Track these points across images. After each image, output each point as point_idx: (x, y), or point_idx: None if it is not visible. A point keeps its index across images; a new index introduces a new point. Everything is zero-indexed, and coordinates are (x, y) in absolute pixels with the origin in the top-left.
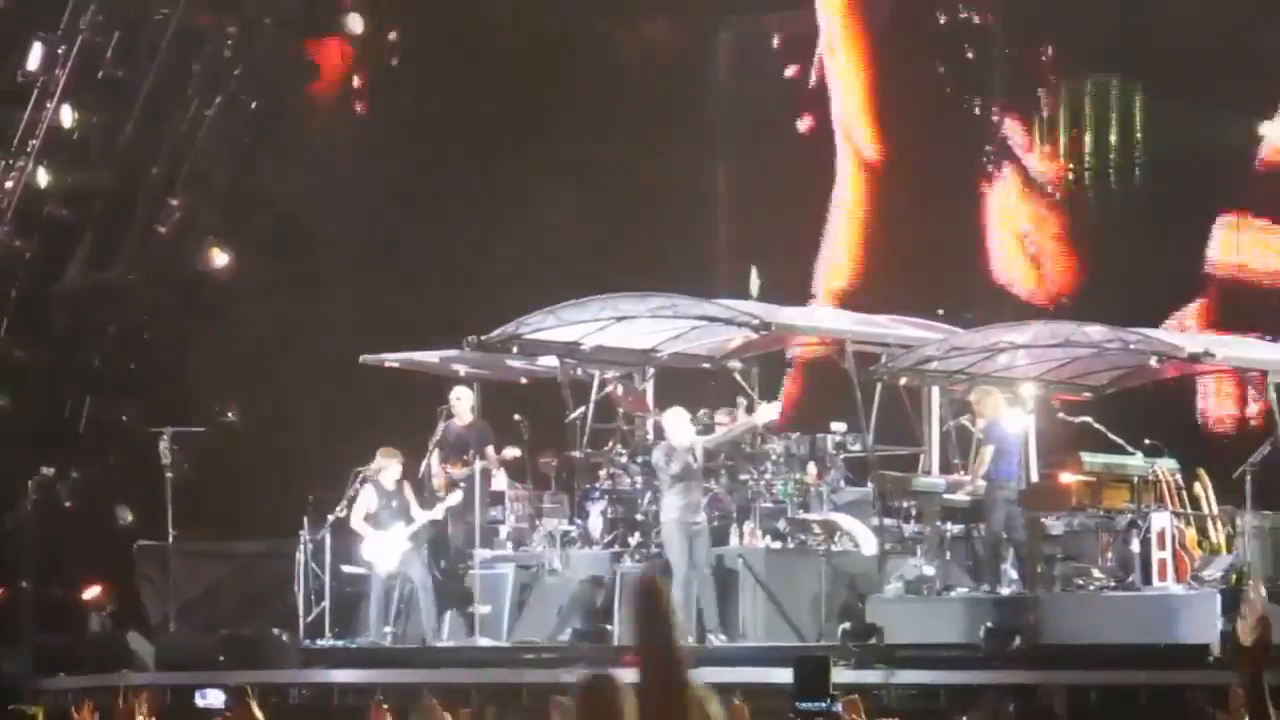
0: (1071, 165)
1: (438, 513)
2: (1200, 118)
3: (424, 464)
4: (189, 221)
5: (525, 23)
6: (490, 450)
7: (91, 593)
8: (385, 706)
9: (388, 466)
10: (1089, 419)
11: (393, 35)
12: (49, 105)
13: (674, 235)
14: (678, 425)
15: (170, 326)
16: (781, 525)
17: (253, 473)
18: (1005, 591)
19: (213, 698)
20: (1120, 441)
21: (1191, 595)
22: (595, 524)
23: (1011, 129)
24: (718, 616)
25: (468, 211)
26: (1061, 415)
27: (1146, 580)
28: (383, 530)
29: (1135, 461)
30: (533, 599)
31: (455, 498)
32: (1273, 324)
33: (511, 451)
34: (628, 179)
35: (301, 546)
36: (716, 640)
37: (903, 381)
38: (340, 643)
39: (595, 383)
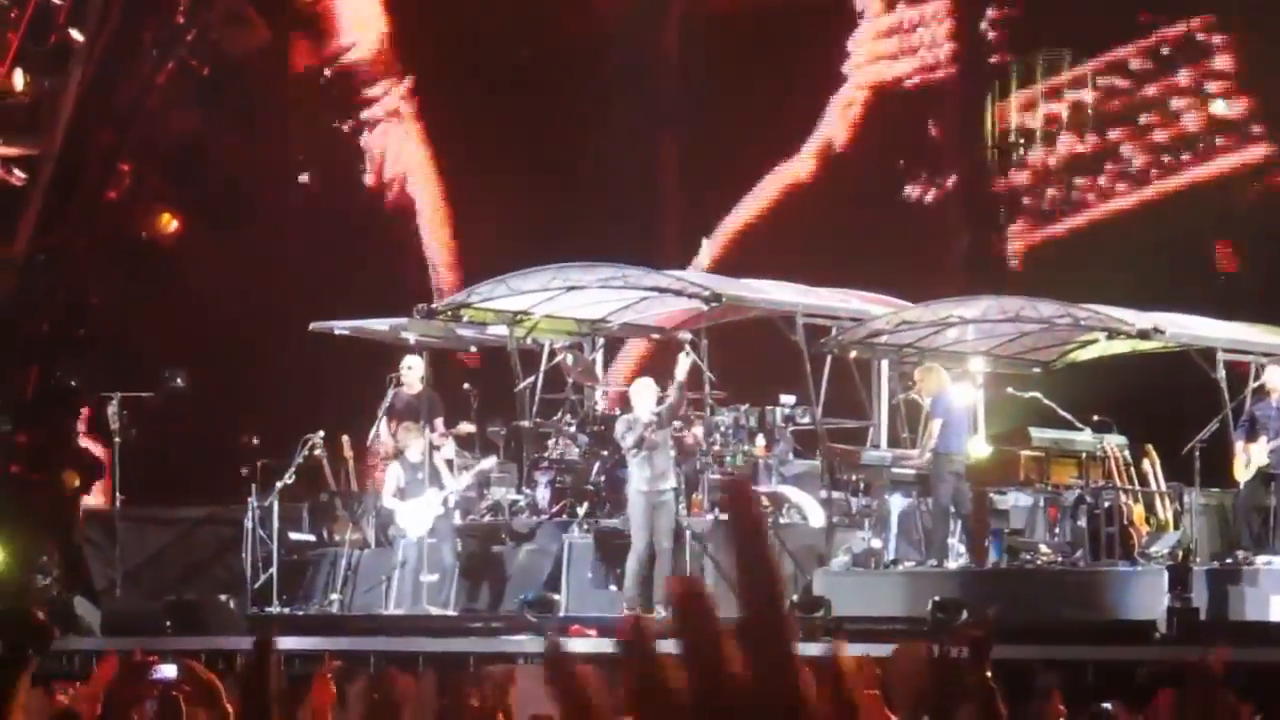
0: None
1: (467, 479)
2: None
3: (372, 431)
4: (138, 187)
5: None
6: (439, 422)
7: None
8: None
9: (412, 443)
10: (1037, 394)
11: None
12: (0, 69)
13: (624, 206)
14: (642, 396)
15: (119, 292)
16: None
17: (201, 439)
18: (952, 565)
19: (165, 670)
20: (1069, 417)
21: (1138, 571)
22: (543, 494)
23: None
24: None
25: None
26: (1010, 390)
27: (1094, 556)
28: (414, 499)
29: (1083, 437)
30: (481, 568)
31: (489, 462)
32: None
33: (465, 427)
34: (578, 149)
35: (250, 513)
36: (664, 613)
37: (852, 355)
38: (287, 609)
39: (544, 352)
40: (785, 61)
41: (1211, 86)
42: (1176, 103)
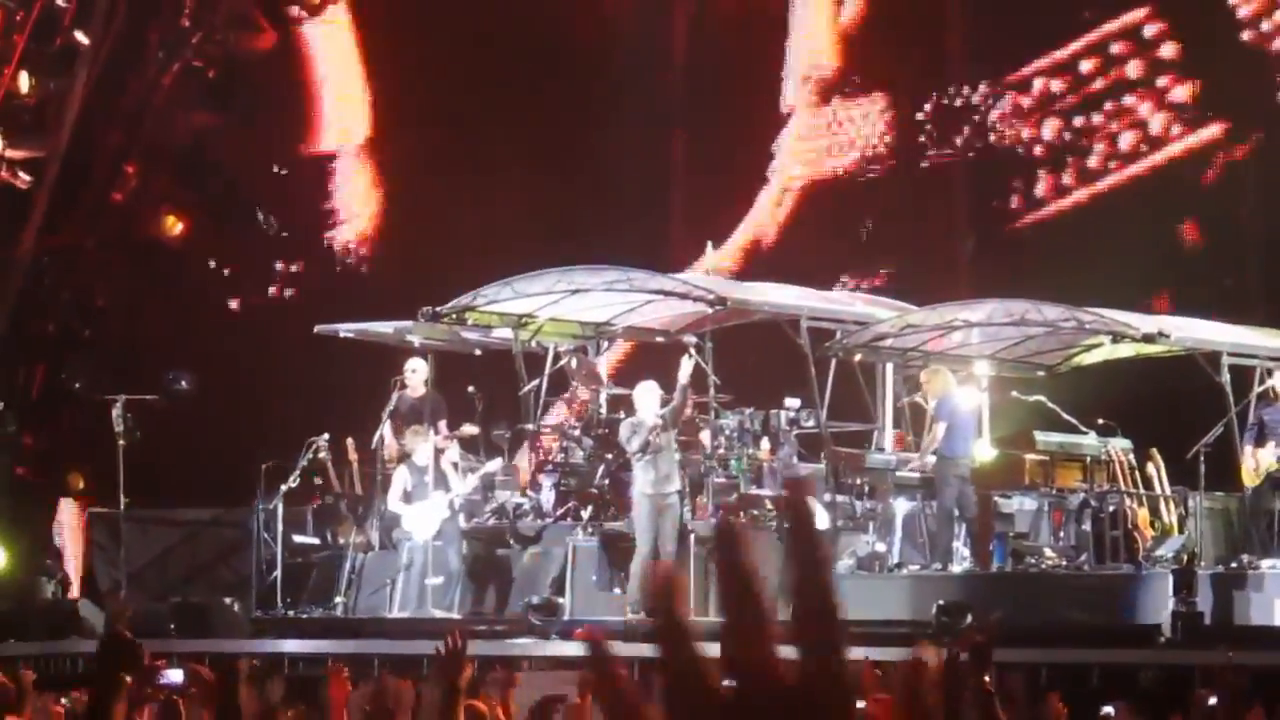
0: None
1: (473, 480)
2: None
3: (377, 435)
4: (144, 189)
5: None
6: (443, 424)
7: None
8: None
9: (419, 446)
10: (1043, 398)
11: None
12: (6, 71)
13: (630, 209)
14: (646, 399)
15: (125, 294)
16: (733, 501)
17: (206, 441)
18: (957, 569)
19: (171, 675)
20: (1073, 421)
21: (1143, 576)
22: (548, 497)
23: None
24: None
25: (423, 182)
26: (1015, 394)
27: (1099, 560)
28: (419, 503)
29: (1088, 441)
30: (485, 571)
31: (494, 464)
32: None
33: (468, 429)
34: (584, 149)
35: (255, 515)
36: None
37: (857, 358)
38: (292, 612)
39: (549, 355)
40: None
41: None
42: (1129, 99)
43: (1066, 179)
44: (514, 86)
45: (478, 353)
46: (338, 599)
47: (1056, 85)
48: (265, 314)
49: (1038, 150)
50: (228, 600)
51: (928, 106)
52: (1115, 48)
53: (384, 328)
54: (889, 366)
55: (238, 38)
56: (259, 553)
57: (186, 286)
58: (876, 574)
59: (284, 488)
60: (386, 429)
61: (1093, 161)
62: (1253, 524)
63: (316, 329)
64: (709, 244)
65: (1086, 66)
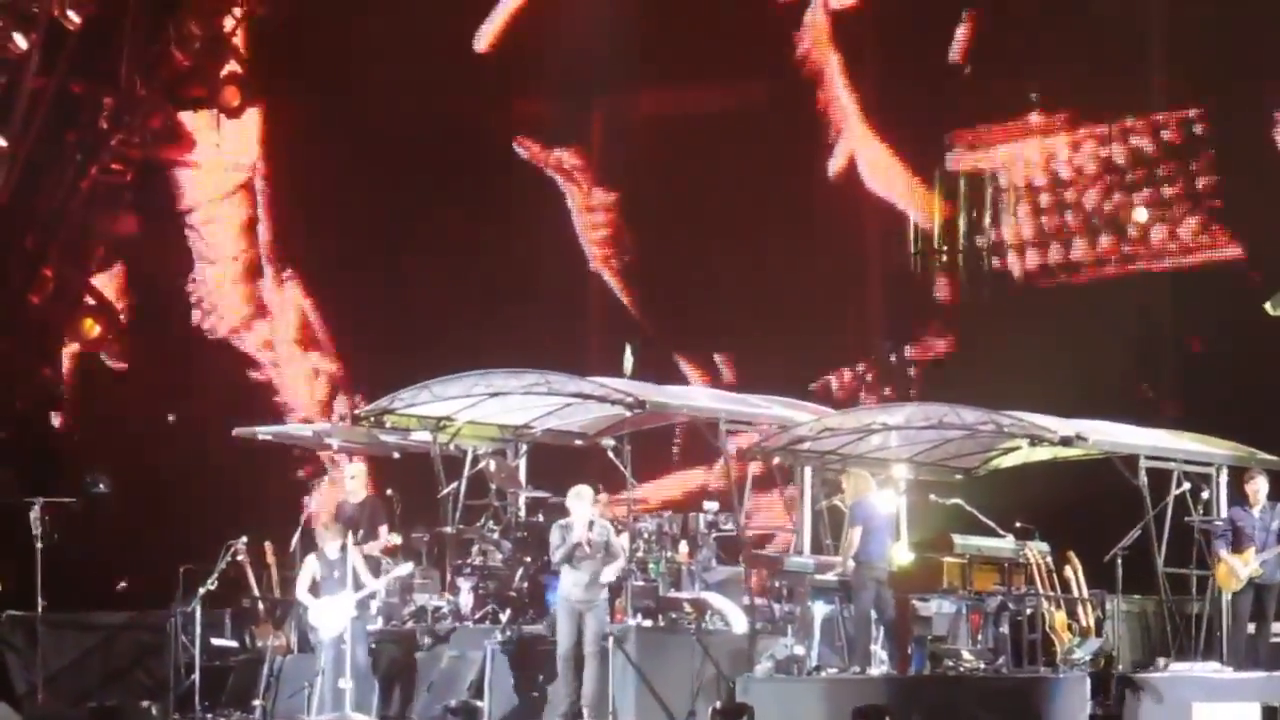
0: None
1: (383, 581)
2: None
3: (294, 540)
4: (61, 292)
5: (398, 101)
6: (383, 530)
7: None
8: None
9: (330, 540)
10: (960, 501)
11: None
12: None
13: (547, 312)
14: (578, 505)
15: (43, 396)
16: (653, 603)
17: (123, 544)
18: (875, 672)
19: None
20: (991, 524)
21: (1061, 678)
22: (466, 600)
23: None
24: (595, 695)
25: (341, 287)
26: (933, 497)
27: (1016, 663)
28: (327, 597)
29: (1006, 544)
30: (404, 674)
31: (405, 568)
32: None
33: (392, 539)
34: (502, 255)
35: (173, 619)
36: (586, 718)
37: (775, 461)
38: (210, 716)
39: (468, 458)
40: (714, 163)
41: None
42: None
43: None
44: (431, 187)
45: (396, 455)
46: (256, 702)
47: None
48: (183, 416)
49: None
50: (145, 704)
51: None
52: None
53: (303, 430)
54: (808, 470)
55: (156, 142)
56: (177, 656)
57: (105, 390)
58: (795, 677)
59: (202, 590)
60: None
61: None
62: (1232, 628)
63: (235, 431)
64: (627, 345)
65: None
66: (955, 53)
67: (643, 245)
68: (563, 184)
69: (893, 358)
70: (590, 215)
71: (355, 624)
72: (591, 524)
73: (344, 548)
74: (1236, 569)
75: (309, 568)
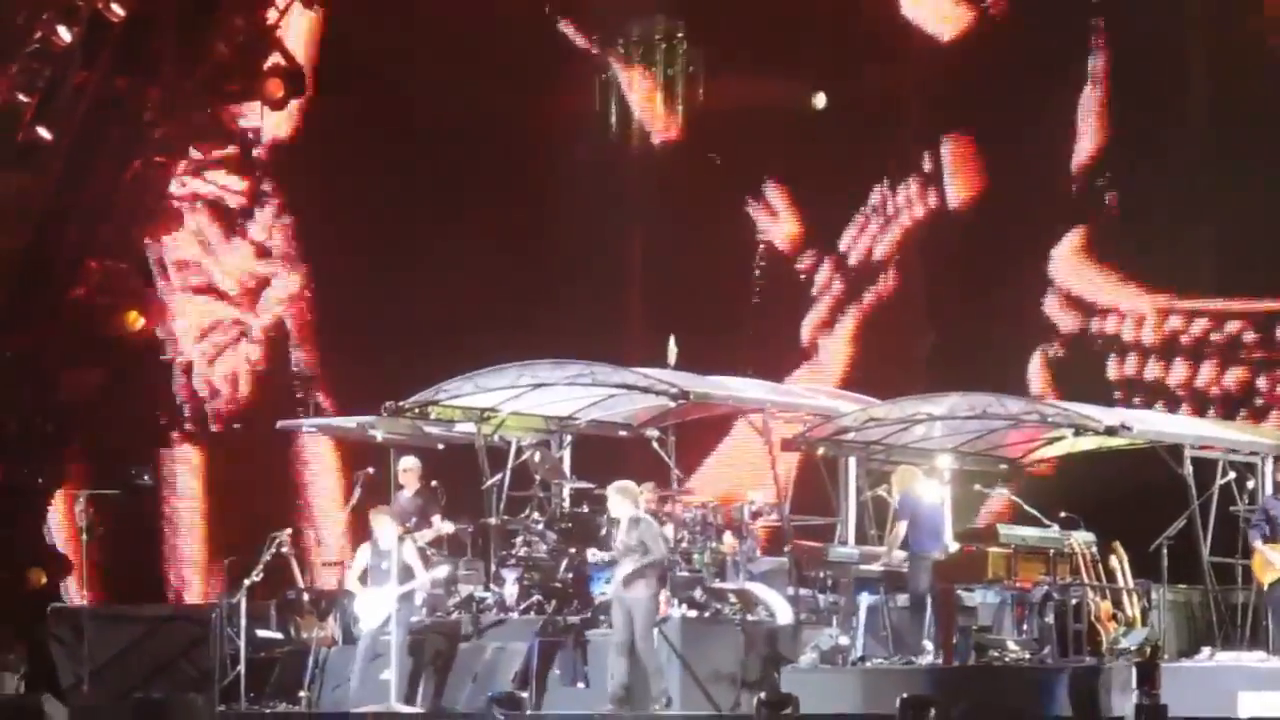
0: None
1: (426, 578)
2: None
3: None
4: (106, 285)
5: (442, 93)
6: (436, 519)
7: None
8: None
9: (382, 528)
10: (1005, 491)
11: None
12: None
13: (591, 303)
14: (617, 501)
15: (87, 389)
16: (697, 594)
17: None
18: (920, 663)
19: None
20: (1036, 514)
21: (1107, 668)
22: (511, 591)
23: None
24: (639, 684)
25: (385, 278)
26: (978, 487)
27: (1062, 653)
28: (374, 587)
29: (1051, 534)
30: (448, 666)
31: (441, 571)
32: None
33: (445, 526)
34: (546, 246)
35: (217, 610)
36: (658, 707)
37: (820, 452)
38: (255, 707)
39: (512, 449)
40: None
41: None
42: None
43: None
44: (476, 178)
45: (440, 447)
46: (301, 694)
47: None
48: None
49: None
50: (190, 696)
51: None
52: None
53: (347, 423)
54: (852, 460)
55: (199, 135)
56: (222, 648)
57: (149, 382)
58: (840, 668)
59: (247, 583)
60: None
61: None
62: (1273, 619)
63: (279, 424)
64: (671, 337)
65: None
66: None
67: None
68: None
69: None
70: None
71: (398, 614)
72: (638, 520)
73: (401, 538)
74: (1272, 559)
75: (362, 555)
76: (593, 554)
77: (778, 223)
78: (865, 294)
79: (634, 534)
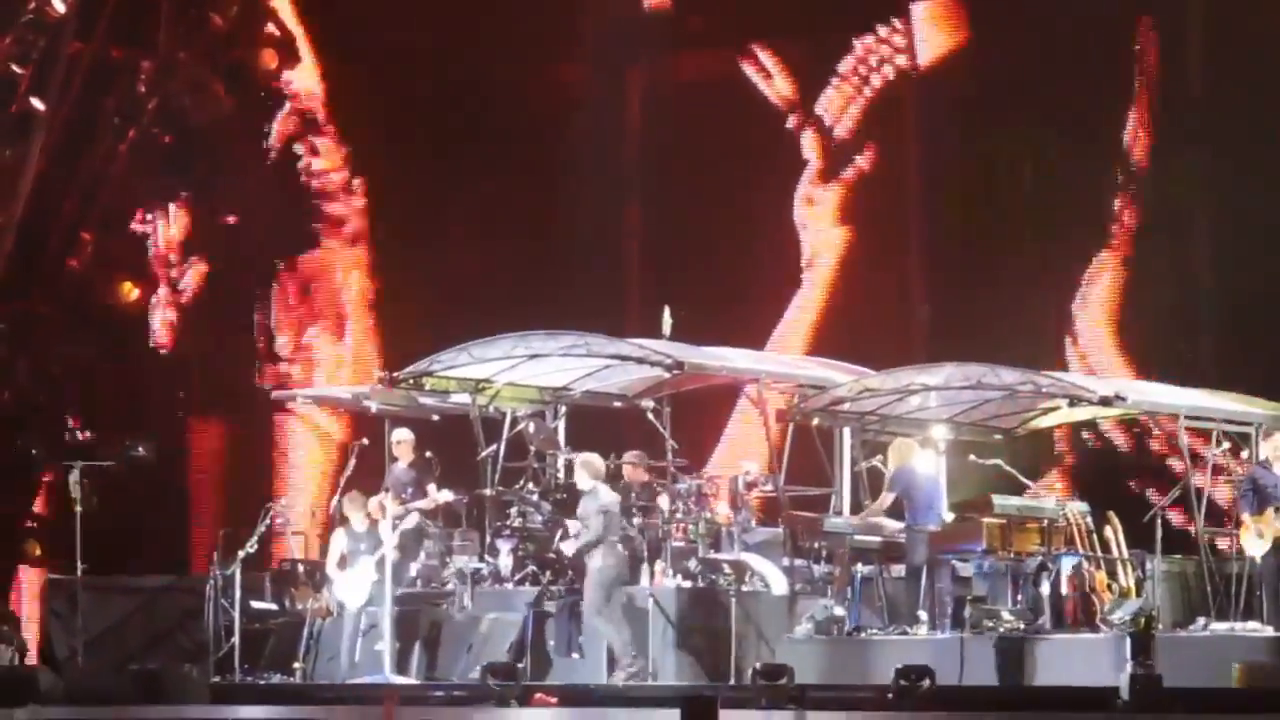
0: None
1: (395, 535)
2: None
3: (333, 503)
4: (100, 256)
5: (442, 66)
6: (431, 488)
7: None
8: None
9: (355, 512)
10: (1000, 461)
11: (305, 71)
12: None
13: (586, 274)
14: (577, 472)
15: (81, 361)
16: (692, 565)
17: (163, 507)
18: (916, 633)
19: None
20: (1030, 484)
21: (1100, 638)
22: (506, 562)
23: None
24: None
25: (381, 248)
26: (973, 458)
27: (1056, 623)
28: (352, 570)
29: (1046, 504)
30: (444, 637)
31: (411, 520)
32: None
33: (442, 495)
34: (540, 219)
35: (211, 581)
36: (623, 678)
37: (814, 422)
38: (250, 678)
39: (507, 420)
40: (749, 130)
41: None
42: None
43: None
44: (471, 152)
45: (435, 418)
46: (296, 665)
47: None
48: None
49: None
50: (186, 667)
51: None
52: None
53: (341, 393)
54: (846, 430)
55: (195, 104)
56: (217, 619)
57: (143, 352)
58: (835, 638)
59: (241, 554)
60: (388, 499)
61: None
62: (1265, 591)
63: (274, 394)
64: (665, 308)
65: None
66: None
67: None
68: None
69: None
70: None
71: (376, 589)
72: (588, 494)
73: (372, 522)
74: (1259, 532)
75: (337, 542)
76: None
77: (771, 84)
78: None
79: (581, 507)
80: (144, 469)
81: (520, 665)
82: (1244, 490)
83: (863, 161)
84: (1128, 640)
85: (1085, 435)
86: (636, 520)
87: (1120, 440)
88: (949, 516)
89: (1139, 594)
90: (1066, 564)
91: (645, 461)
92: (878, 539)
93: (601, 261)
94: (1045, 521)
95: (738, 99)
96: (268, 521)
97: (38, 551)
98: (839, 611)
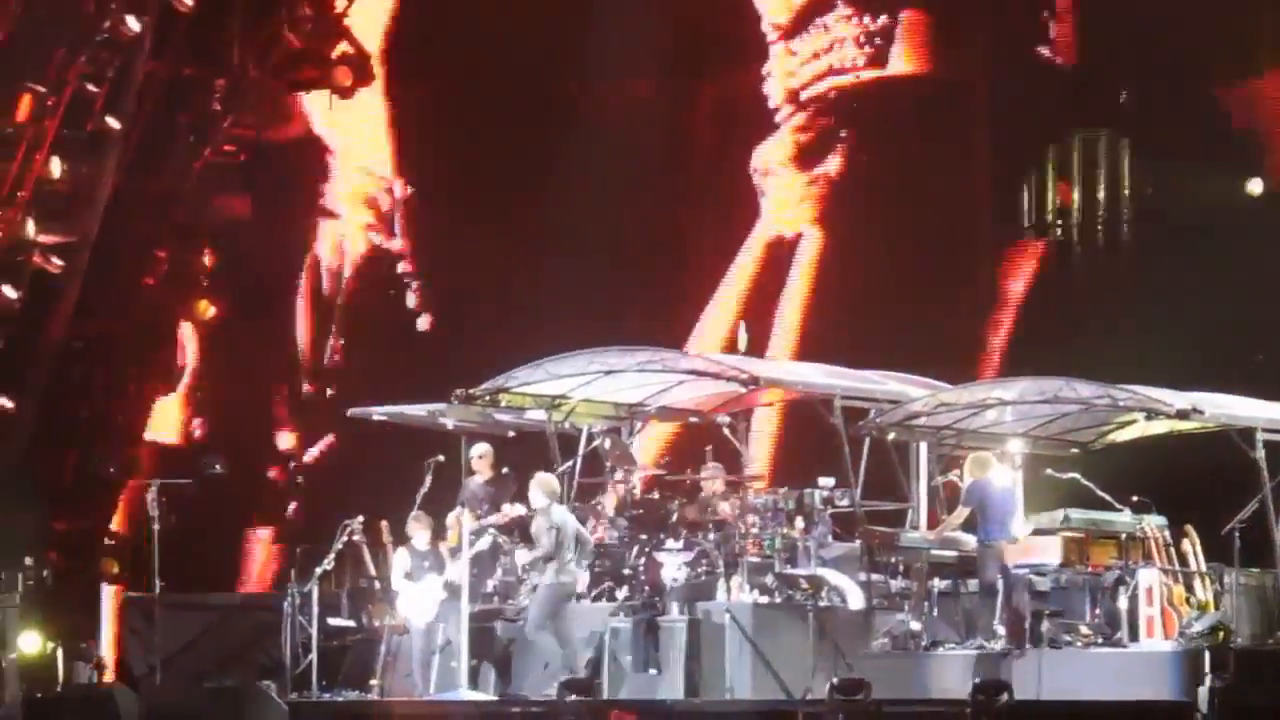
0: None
1: (464, 562)
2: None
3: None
4: (176, 274)
5: (513, 83)
6: (506, 505)
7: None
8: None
9: (418, 532)
10: (1077, 475)
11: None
12: (38, 156)
13: (660, 290)
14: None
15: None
16: (768, 580)
17: (238, 524)
18: (993, 647)
19: None
20: (1108, 498)
21: (1178, 652)
22: (582, 578)
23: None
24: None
25: (452, 266)
26: (1049, 472)
27: (1134, 637)
28: (417, 585)
29: (1123, 518)
30: (520, 653)
31: (486, 539)
32: None
33: (515, 508)
34: (613, 234)
35: (289, 599)
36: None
37: (890, 436)
38: (327, 695)
39: (583, 436)
40: None
41: None
42: None
43: None
44: (541, 169)
45: (511, 434)
46: (373, 681)
47: None
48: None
49: None
50: (263, 684)
51: None
52: None
53: (417, 410)
54: (923, 445)
55: (267, 123)
56: (294, 636)
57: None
58: (912, 653)
59: (319, 571)
60: (465, 514)
61: None
62: None
63: (350, 412)
64: (741, 324)
65: None
66: None
67: None
68: None
69: None
70: None
71: (445, 606)
72: (540, 511)
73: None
74: None
75: (400, 562)
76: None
77: None
78: None
79: (534, 525)
80: (219, 485)
81: (597, 681)
82: None
83: None
84: (1206, 654)
85: (1162, 449)
86: (713, 535)
87: (1197, 453)
88: (1027, 529)
89: (1217, 607)
90: (1144, 578)
91: (722, 474)
92: (954, 553)
93: (670, 276)
94: (1122, 535)
95: None
96: (344, 539)
97: (116, 569)
98: (916, 626)
